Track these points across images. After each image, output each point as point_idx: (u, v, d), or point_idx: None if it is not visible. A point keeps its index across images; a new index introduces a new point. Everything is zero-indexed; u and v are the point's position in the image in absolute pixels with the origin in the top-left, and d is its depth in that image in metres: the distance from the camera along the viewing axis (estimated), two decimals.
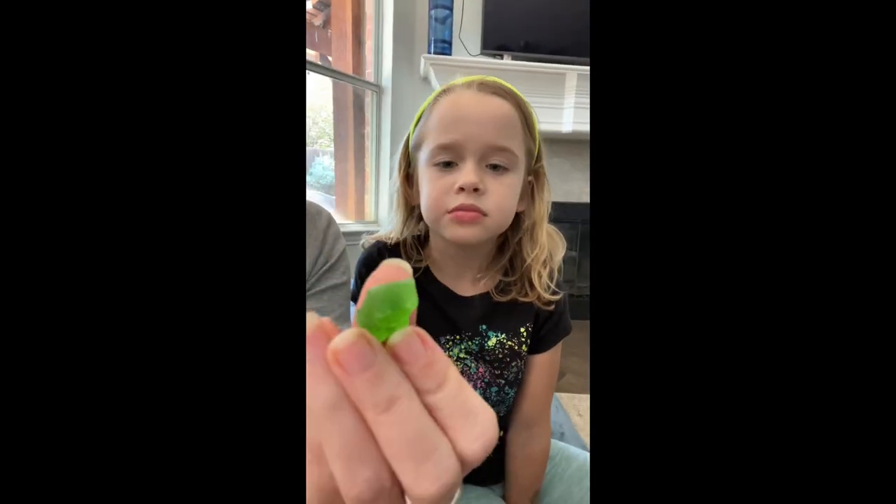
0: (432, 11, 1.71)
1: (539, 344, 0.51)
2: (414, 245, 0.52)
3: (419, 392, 0.13)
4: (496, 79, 0.45)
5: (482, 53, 1.79)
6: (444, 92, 0.46)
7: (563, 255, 0.50)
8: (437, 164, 0.43)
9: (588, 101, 1.74)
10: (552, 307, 0.50)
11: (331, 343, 0.13)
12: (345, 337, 0.12)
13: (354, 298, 0.52)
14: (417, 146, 0.47)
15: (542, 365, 0.52)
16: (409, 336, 0.13)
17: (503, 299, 0.49)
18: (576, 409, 1.31)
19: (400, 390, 0.12)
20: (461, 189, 0.41)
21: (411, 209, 0.52)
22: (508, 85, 0.45)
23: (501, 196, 0.42)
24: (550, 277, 0.49)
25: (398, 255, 0.50)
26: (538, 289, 0.48)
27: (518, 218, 0.48)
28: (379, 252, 0.51)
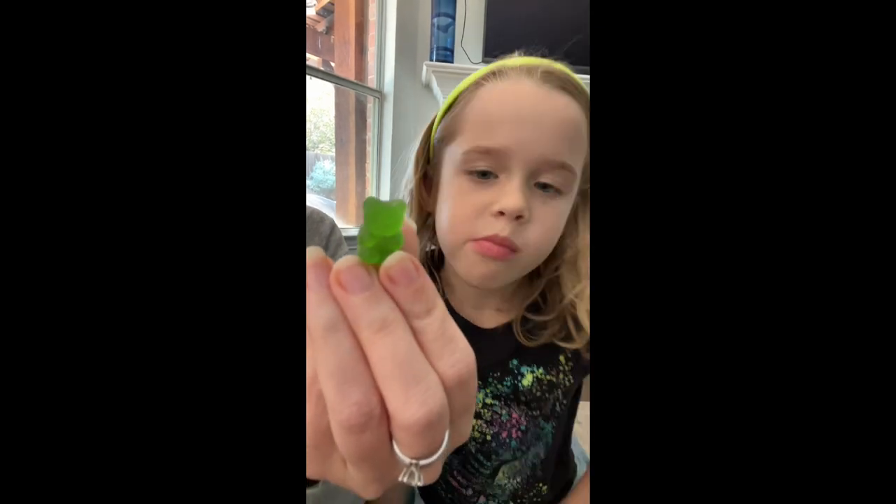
0: (435, 20, 1.72)
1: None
2: (427, 263, 0.43)
3: (407, 315, 0.14)
4: (563, 66, 0.34)
5: (484, 61, 1.80)
6: (495, 75, 0.34)
7: None
8: (470, 172, 0.33)
9: None
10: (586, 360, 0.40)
11: (334, 266, 0.14)
12: (346, 260, 0.14)
13: None
14: (445, 140, 0.36)
15: None
16: (404, 259, 0.14)
17: (532, 344, 0.39)
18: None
19: (394, 315, 0.13)
20: (500, 213, 0.31)
21: (426, 217, 0.41)
22: (575, 77, 0.33)
23: (547, 228, 0.32)
24: None
25: None
26: (588, 332, 0.37)
27: (558, 245, 0.37)
28: None
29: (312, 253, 0.14)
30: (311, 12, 1.98)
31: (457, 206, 0.34)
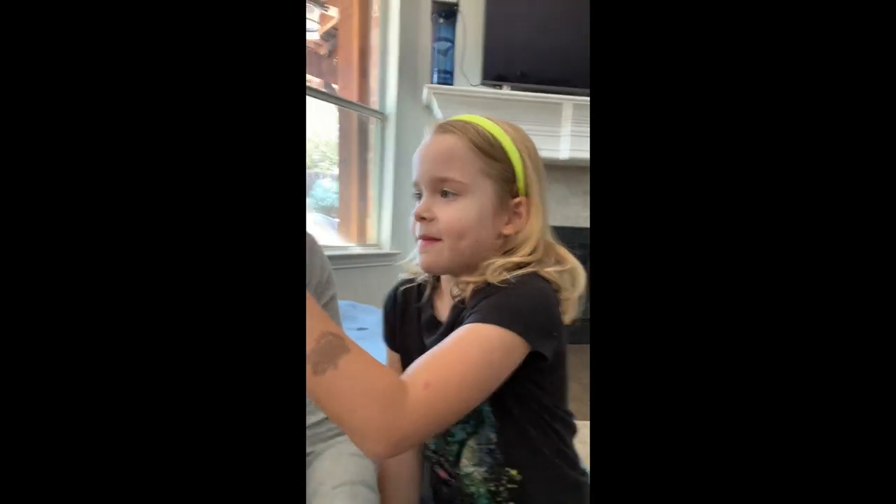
0: (435, 44, 1.78)
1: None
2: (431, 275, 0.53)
3: None
4: (468, 117, 0.48)
5: (482, 84, 1.85)
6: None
7: (577, 281, 0.46)
8: (413, 196, 0.50)
9: (583, 129, 1.79)
10: (492, 289, 0.43)
11: None
12: None
13: (385, 338, 0.55)
14: None
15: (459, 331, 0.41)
16: None
17: (457, 296, 0.47)
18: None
19: None
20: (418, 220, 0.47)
21: None
22: (476, 119, 0.48)
23: (450, 218, 0.46)
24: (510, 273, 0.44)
25: (422, 289, 0.53)
26: (487, 275, 0.44)
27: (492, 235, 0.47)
28: (395, 290, 0.55)
29: None
30: (314, 37, 2.04)
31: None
